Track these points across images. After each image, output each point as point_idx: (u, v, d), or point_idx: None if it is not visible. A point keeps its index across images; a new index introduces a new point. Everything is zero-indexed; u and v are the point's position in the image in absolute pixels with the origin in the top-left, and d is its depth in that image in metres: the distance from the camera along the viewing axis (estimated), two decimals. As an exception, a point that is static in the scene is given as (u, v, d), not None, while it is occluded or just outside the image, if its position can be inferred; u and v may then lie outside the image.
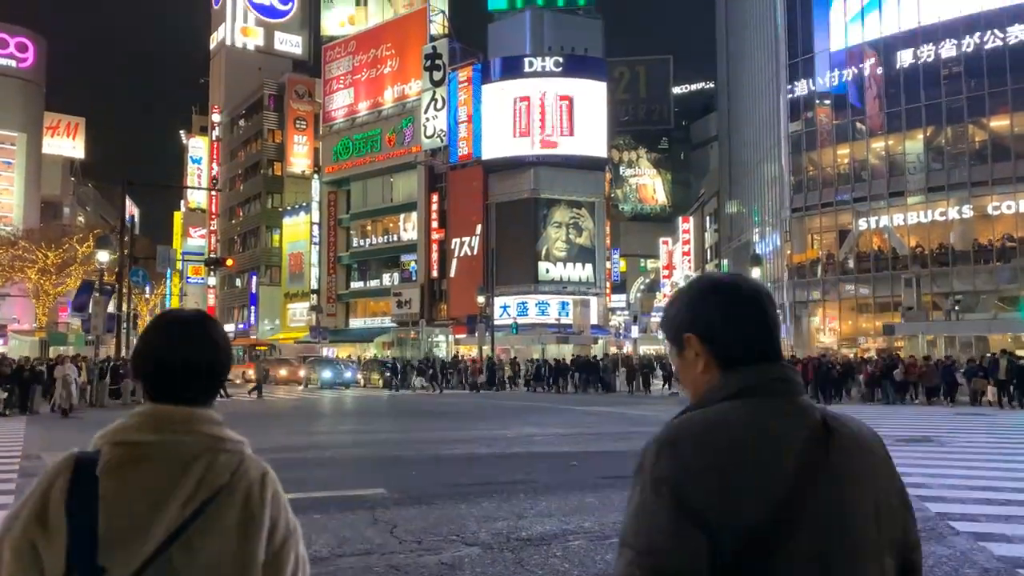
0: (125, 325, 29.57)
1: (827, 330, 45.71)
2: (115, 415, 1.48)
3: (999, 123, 38.84)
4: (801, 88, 46.06)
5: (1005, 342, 35.27)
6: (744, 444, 1.19)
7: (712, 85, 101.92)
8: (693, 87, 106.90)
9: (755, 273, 34.08)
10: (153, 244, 51.32)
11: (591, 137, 52.70)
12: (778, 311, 1.41)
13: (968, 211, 38.76)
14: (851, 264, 43.23)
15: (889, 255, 41.61)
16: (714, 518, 1.14)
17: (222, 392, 2.16)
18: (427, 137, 56.58)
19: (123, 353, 28.28)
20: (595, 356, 38.75)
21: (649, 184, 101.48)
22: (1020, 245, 37.50)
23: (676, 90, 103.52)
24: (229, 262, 43.18)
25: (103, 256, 27.74)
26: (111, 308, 28.80)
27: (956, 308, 34.92)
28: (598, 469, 10.28)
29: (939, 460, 11.39)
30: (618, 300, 64.06)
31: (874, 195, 42.08)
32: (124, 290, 29.73)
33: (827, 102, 45.18)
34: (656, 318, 76.51)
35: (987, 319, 35.11)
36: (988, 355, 26.21)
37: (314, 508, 7.16)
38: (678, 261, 67.22)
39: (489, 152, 52.62)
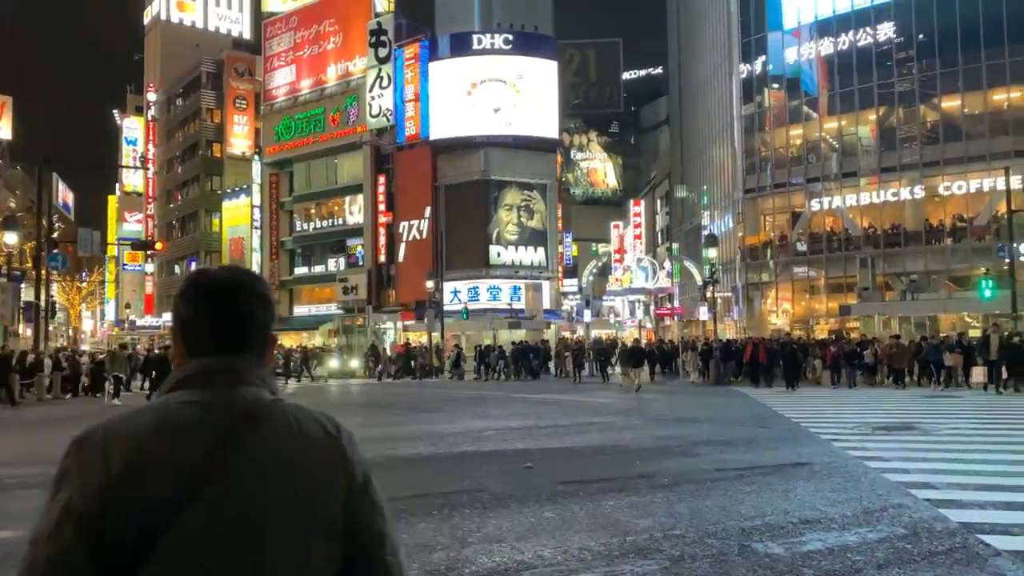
0: (44, 314, 27.35)
1: (779, 312, 45.43)
2: None
3: (950, 104, 38.74)
4: (754, 68, 45.49)
5: (958, 322, 35.29)
6: (145, 435, 1.25)
7: (660, 71, 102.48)
8: (641, 73, 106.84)
9: (711, 253, 33.38)
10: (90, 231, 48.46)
11: (543, 117, 51.43)
12: (253, 303, 1.41)
13: (920, 191, 38.64)
14: (803, 245, 42.91)
15: (842, 236, 41.36)
16: (104, 506, 1.20)
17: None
18: (373, 116, 54.65)
19: (42, 346, 26.13)
20: (544, 340, 37.73)
21: (600, 168, 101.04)
22: (970, 225, 37.52)
23: (625, 76, 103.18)
24: (159, 245, 40.96)
25: (10, 238, 25.50)
26: (33, 296, 26.60)
27: (911, 288, 34.70)
28: (557, 471, 9.10)
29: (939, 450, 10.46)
30: (570, 285, 63.12)
31: (827, 176, 41.75)
32: (42, 276, 27.48)
33: (779, 84, 44.69)
34: (609, 302, 76.20)
35: (942, 299, 35.02)
36: (966, 334, 25.25)
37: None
38: (629, 245, 66.50)
39: (438, 132, 50.97)
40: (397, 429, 13.97)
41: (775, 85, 44.86)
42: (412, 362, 33.89)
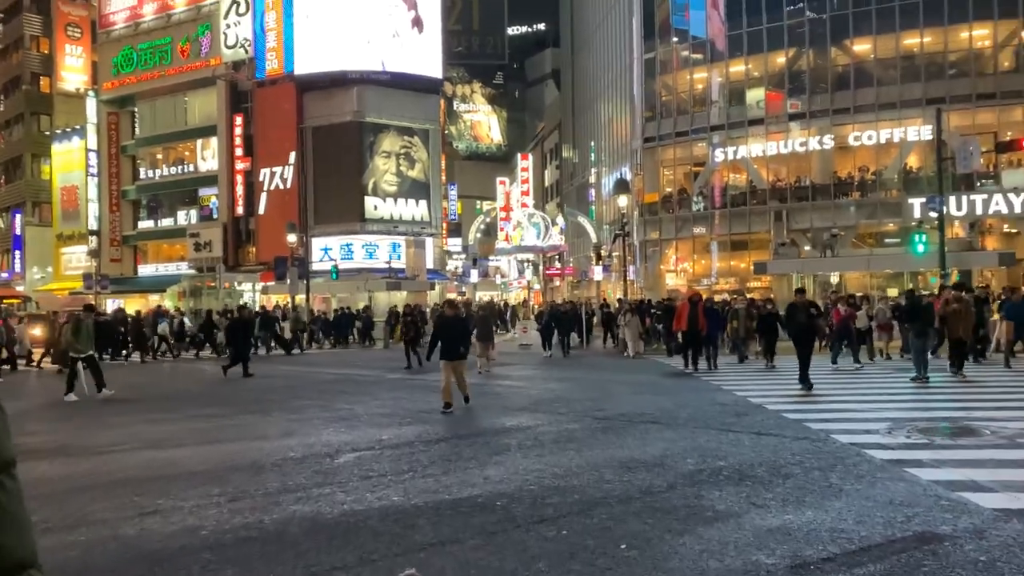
0: None
1: (678, 271, 42.56)
2: None
3: (862, 46, 36.35)
4: (655, 7, 41.78)
5: (872, 281, 33.25)
6: None
7: (544, 27, 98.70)
8: (524, 29, 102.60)
9: (622, 202, 29.49)
10: None
11: (424, 54, 46.03)
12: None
13: (829, 141, 36.21)
14: (705, 199, 39.93)
15: (747, 189, 38.60)
16: None
17: None
18: (228, 48, 47.58)
19: None
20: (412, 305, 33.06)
21: (484, 121, 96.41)
22: (879, 179, 35.46)
23: (510, 31, 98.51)
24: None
25: None
26: None
27: (831, 243, 32.17)
28: None
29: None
30: (454, 244, 58.57)
31: (732, 124, 38.72)
32: None
33: (684, 22, 41.12)
34: (495, 262, 72.19)
35: (866, 255, 32.76)
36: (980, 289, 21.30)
37: None
38: (516, 202, 62.33)
39: (304, 67, 44.64)
40: (192, 454, 8.70)
41: (677, 25, 41.33)
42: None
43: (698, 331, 16.69)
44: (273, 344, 27.33)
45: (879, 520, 5.09)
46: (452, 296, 46.63)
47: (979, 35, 34.48)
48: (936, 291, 20.52)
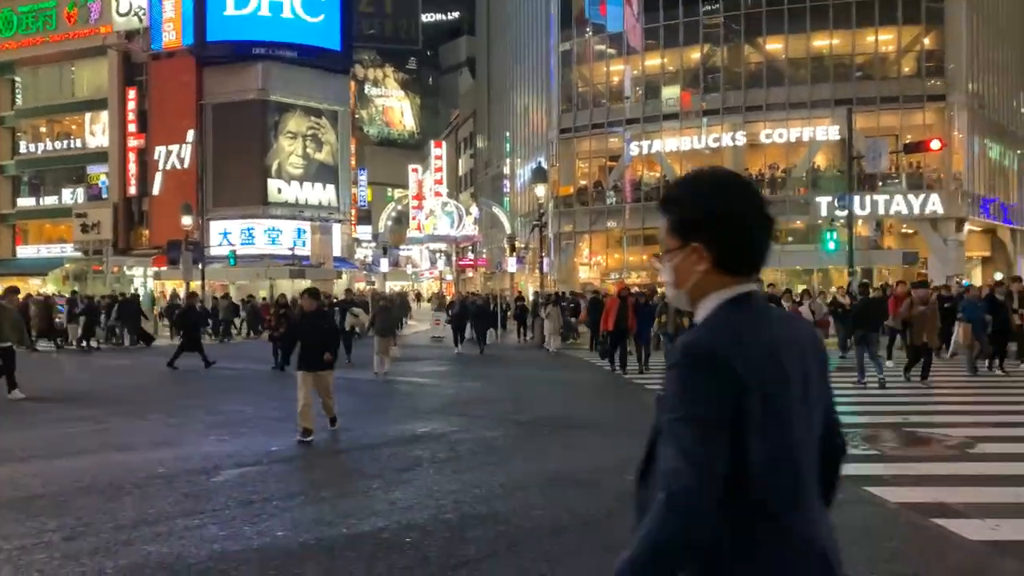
0: None
1: (592, 264, 42.25)
2: None
3: (774, 46, 36.72)
4: (573, -5, 41.16)
5: (779, 277, 33.60)
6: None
7: (458, 15, 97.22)
8: (439, 16, 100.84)
9: (540, 191, 28.66)
10: None
11: (332, 29, 44.03)
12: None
13: (742, 138, 36.47)
14: (620, 193, 39.68)
15: (660, 184, 38.50)
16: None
17: None
18: (120, 15, 44.37)
19: None
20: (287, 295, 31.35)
21: (397, 107, 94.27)
22: (789, 176, 35.95)
23: (424, 18, 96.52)
24: None
25: None
26: None
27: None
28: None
29: None
30: (364, 232, 56.70)
31: (647, 117, 38.53)
32: None
33: (600, 17, 40.61)
34: (406, 252, 70.45)
35: (775, 251, 32.93)
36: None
37: None
38: (429, 190, 60.91)
39: (204, 38, 41.97)
40: (39, 470, 7.07)
41: (593, 19, 40.83)
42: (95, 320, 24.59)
43: (626, 330, 15.06)
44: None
45: (863, 559, 4.34)
46: (360, 285, 45.02)
47: (884, 39, 35.32)
48: (883, 286, 20.35)
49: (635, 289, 29.67)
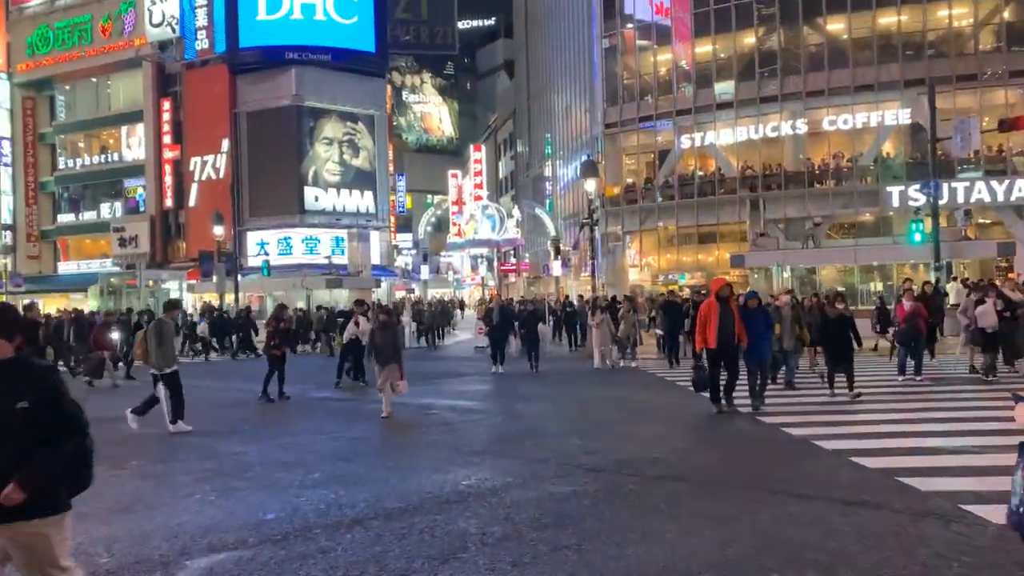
0: None
1: (643, 265, 40.04)
2: None
3: (835, 25, 34.16)
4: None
5: (843, 278, 31.08)
6: None
7: (493, 22, 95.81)
8: (475, 23, 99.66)
9: (589, 186, 26.64)
10: None
11: (366, 31, 42.67)
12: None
13: (802, 126, 33.97)
14: (671, 189, 37.43)
15: (715, 178, 36.20)
16: None
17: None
18: (154, 26, 43.75)
19: None
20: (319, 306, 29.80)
21: (434, 113, 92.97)
22: (855, 165, 33.34)
23: (460, 26, 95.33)
24: None
25: None
26: None
27: (814, 233, 29.82)
28: None
29: None
30: (404, 239, 55.29)
31: (699, 108, 36.24)
32: None
33: (647, 8, 38.48)
34: (447, 258, 68.94)
35: (852, 246, 30.47)
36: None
37: None
38: (469, 195, 59.24)
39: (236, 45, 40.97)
40: None
41: (635, 9, 38.72)
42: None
43: (735, 346, 10.72)
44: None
45: None
46: (400, 293, 43.40)
47: (959, 13, 32.55)
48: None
49: (687, 292, 27.68)
